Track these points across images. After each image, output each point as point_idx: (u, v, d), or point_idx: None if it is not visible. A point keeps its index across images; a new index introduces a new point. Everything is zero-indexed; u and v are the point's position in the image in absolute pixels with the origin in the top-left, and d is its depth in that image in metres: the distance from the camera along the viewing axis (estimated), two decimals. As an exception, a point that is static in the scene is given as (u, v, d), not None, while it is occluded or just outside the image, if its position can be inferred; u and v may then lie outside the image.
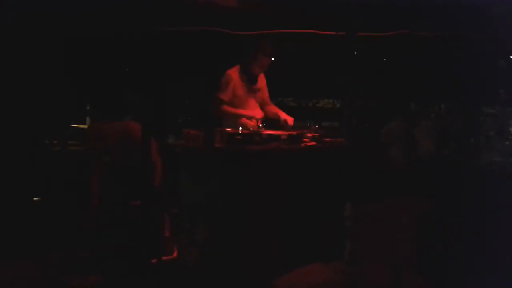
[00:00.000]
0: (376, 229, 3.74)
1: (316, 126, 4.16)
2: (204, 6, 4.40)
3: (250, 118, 4.29)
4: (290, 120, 4.39)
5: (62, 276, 3.76)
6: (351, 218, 3.67)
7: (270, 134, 3.87)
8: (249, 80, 4.43)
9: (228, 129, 3.81)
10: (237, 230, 3.50)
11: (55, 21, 4.94)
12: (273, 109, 4.61)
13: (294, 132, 3.96)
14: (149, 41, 3.68)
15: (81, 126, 7.27)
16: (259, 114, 4.37)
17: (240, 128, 3.83)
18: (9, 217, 4.52)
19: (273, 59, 4.47)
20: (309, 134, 3.98)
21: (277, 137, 3.86)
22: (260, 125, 4.00)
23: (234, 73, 4.40)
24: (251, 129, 3.99)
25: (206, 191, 3.60)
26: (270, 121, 4.45)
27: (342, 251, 3.64)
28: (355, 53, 3.32)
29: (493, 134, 6.64)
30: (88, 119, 7.25)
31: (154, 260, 3.69)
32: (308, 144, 3.86)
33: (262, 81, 4.60)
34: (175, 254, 3.98)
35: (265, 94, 4.65)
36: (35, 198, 4.95)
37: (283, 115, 4.43)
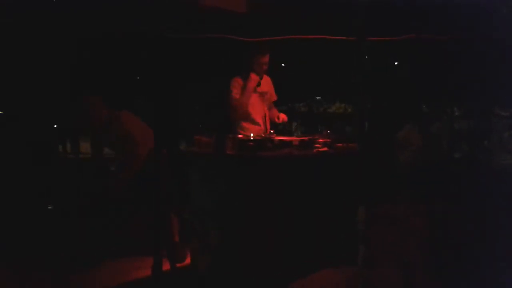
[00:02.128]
0: (389, 232, 3.72)
1: (328, 131, 4.17)
2: (213, 12, 4.42)
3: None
4: (282, 116, 4.63)
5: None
6: (364, 222, 3.65)
7: (281, 140, 3.88)
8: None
9: (239, 136, 3.83)
10: (250, 235, 3.50)
11: (72, 26, 5.00)
12: (273, 112, 4.76)
13: (306, 138, 3.97)
14: (157, 47, 3.70)
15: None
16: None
17: (252, 134, 3.87)
18: (22, 223, 4.56)
19: (283, 63, 4.52)
20: (320, 140, 3.98)
21: (289, 143, 3.87)
22: (272, 131, 4.01)
23: (239, 78, 4.54)
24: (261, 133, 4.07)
25: (218, 197, 3.61)
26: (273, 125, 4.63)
27: (355, 255, 3.63)
28: (366, 57, 3.31)
29: (506, 136, 6.60)
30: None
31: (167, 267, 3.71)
32: (320, 149, 3.86)
33: (268, 86, 4.70)
34: (188, 260, 3.99)
35: (272, 98, 4.76)
36: (49, 207, 4.99)
37: (277, 114, 4.66)
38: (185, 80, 4.20)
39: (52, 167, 5.57)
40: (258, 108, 4.62)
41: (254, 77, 4.50)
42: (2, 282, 3.80)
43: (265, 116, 4.62)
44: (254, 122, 4.57)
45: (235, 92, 4.45)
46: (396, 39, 4.29)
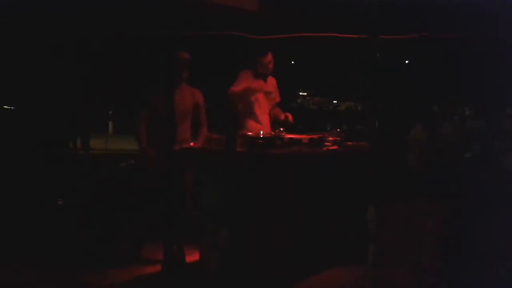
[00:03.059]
0: (399, 232, 3.70)
1: (338, 129, 4.16)
2: (225, 10, 4.42)
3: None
4: (289, 116, 4.58)
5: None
6: (374, 221, 3.64)
7: (291, 138, 3.87)
8: (259, 79, 4.56)
9: (249, 133, 3.83)
10: (259, 233, 3.50)
11: (84, 25, 5.02)
12: (275, 112, 4.76)
13: (316, 136, 3.95)
14: (168, 45, 3.71)
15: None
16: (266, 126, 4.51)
17: (262, 132, 3.87)
18: (32, 218, 4.60)
19: (293, 61, 4.52)
20: (330, 138, 3.97)
21: (299, 140, 3.86)
22: (282, 128, 4.00)
23: (247, 71, 4.55)
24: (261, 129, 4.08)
25: (228, 195, 3.61)
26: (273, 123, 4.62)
27: (365, 254, 3.62)
28: (377, 55, 3.30)
29: (517, 136, 6.54)
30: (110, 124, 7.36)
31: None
32: (330, 148, 3.85)
33: (273, 87, 4.73)
34: (197, 257, 4.00)
35: (276, 99, 4.78)
36: (59, 201, 5.02)
37: (282, 114, 4.62)
38: (196, 78, 4.19)
39: (63, 163, 5.61)
40: (264, 107, 4.62)
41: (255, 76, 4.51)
42: (14, 277, 3.83)
43: (270, 116, 4.62)
44: (258, 121, 4.57)
45: (235, 84, 4.46)
46: (408, 37, 4.28)
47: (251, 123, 4.54)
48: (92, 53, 6.50)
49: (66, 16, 4.82)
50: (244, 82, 4.46)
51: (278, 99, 4.79)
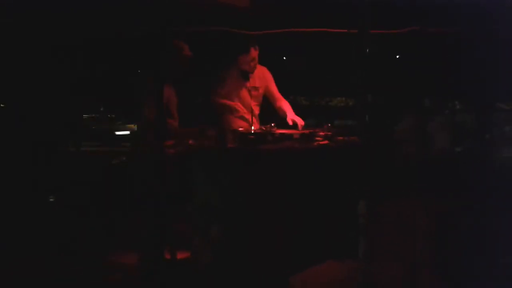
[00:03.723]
0: (391, 226, 3.72)
1: (329, 124, 4.16)
2: (215, 6, 4.41)
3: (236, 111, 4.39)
4: (299, 120, 4.44)
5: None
6: (366, 215, 3.65)
7: (282, 133, 3.88)
8: (243, 77, 4.51)
9: (240, 129, 3.83)
10: (251, 228, 3.50)
11: (72, 22, 4.99)
12: (284, 106, 4.63)
13: (307, 131, 3.96)
14: (160, 41, 3.70)
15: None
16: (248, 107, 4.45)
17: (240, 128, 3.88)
18: (25, 216, 4.58)
19: (284, 56, 4.51)
20: (321, 133, 3.98)
21: (290, 136, 3.86)
22: (273, 124, 4.00)
23: (229, 69, 4.51)
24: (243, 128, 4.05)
25: (219, 190, 3.61)
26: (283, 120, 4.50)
27: (357, 249, 3.63)
28: (367, 50, 3.30)
29: (508, 130, 6.58)
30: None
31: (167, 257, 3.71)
32: (321, 143, 3.85)
33: (264, 81, 4.63)
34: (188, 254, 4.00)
35: (270, 90, 4.67)
36: (50, 199, 5.01)
37: (291, 116, 4.48)
38: (188, 73, 4.17)
39: (53, 160, 5.58)
40: (246, 102, 4.56)
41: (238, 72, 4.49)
42: (8, 275, 3.82)
43: (252, 112, 4.50)
44: (241, 117, 4.50)
45: (220, 88, 4.44)
46: (399, 31, 4.29)
47: (234, 120, 4.49)
48: (82, 51, 6.47)
49: (62, 15, 4.80)
50: (227, 85, 4.43)
51: (274, 90, 4.67)
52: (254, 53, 4.41)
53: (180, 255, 3.93)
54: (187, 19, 4.38)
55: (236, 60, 4.47)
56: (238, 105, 4.44)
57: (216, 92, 4.47)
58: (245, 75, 4.51)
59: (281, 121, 4.45)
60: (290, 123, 4.47)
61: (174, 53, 3.79)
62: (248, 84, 4.54)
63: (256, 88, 4.58)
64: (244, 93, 4.54)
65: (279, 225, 3.57)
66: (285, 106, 4.64)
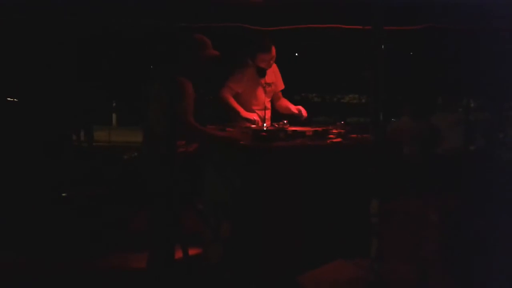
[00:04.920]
0: (403, 226, 3.69)
1: (342, 122, 4.13)
2: (229, 2, 4.39)
3: (247, 120, 4.30)
4: (303, 110, 4.46)
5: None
6: (377, 214, 3.62)
7: (295, 130, 3.85)
8: (258, 74, 4.47)
9: (253, 126, 3.81)
10: (262, 226, 3.49)
11: (87, 17, 4.99)
12: (284, 103, 4.65)
13: (320, 128, 3.93)
14: (173, 37, 3.67)
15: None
16: (257, 116, 4.38)
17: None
18: (35, 211, 4.61)
19: (297, 52, 4.47)
20: (334, 130, 3.94)
21: (302, 133, 3.84)
22: (285, 121, 3.98)
23: (248, 66, 4.45)
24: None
25: (231, 188, 3.60)
26: (286, 116, 4.48)
27: (368, 248, 3.61)
28: (382, 47, 3.26)
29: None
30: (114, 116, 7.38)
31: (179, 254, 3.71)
32: (334, 140, 3.82)
33: (274, 76, 4.61)
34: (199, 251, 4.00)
35: (278, 88, 4.66)
36: (63, 194, 5.03)
37: (294, 107, 4.51)
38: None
39: (65, 155, 5.61)
40: (260, 99, 4.54)
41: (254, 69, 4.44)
42: (16, 268, 3.85)
43: (265, 109, 4.50)
44: (254, 113, 4.44)
45: (237, 86, 4.37)
46: (413, 28, 4.24)
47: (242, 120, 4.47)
48: (95, 45, 6.49)
49: (69, 8, 4.80)
50: (242, 81, 4.38)
51: (281, 86, 4.67)
52: (274, 51, 4.38)
53: (192, 252, 3.93)
54: (200, 15, 4.37)
55: (253, 57, 4.40)
56: (255, 116, 4.35)
57: (229, 87, 4.41)
58: (262, 72, 4.47)
59: (282, 117, 4.43)
60: (296, 111, 4.48)
61: (195, 47, 3.61)
62: (262, 81, 4.51)
63: (269, 84, 4.55)
64: (260, 90, 4.50)
65: (290, 223, 3.56)
66: (286, 101, 4.67)
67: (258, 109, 4.49)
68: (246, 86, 4.41)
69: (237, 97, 4.40)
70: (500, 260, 3.36)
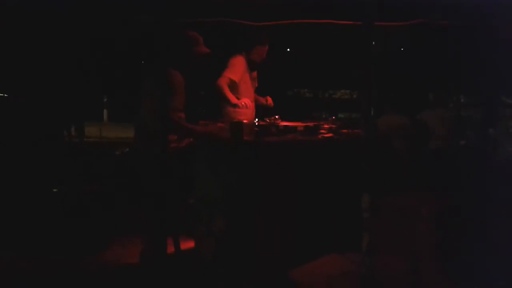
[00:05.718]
0: (394, 220, 3.72)
1: (333, 117, 4.15)
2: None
3: (236, 106, 4.39)
4: (269, 99, 4.67)
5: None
6: (368, 209, 3.64)
7: (286, 125, 3.86)
8: (250, 67, 4.57)
9: (245, 121, 3.81)
10: (254, 221, 3.50)
11: (73, 16, 4.97)
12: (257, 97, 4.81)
13: (311, 124, 3.94)
14: (166, 33, 3.66)
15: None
16: (248, 101, 4.46)
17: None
18: (29, 207, 4.59)
19: (289, 48, 4.50)
20: (326, 126, 3.96)
21: (294, 128, 3.85)
22: (277, 116, 4.00)
23: (243, 58, 4.52)
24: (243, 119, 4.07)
25: (223, 183, 3.61)
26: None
27: (359, 242, 3.63)
28: (373, 43, 3.27)
29: (512, 125, 6.55)
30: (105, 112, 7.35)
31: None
32: (325, 135, 3.84)
33: (256, 71, 4.74)
34: (192, 245, 4.00)
35: (256, 84, 4.80)
36: (54, 189, 5.01)
37: (262, 98, 4.69)
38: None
39: (56, 151, 5.58)
40: (250, 91, 4.63)
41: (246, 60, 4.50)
42: (11, 266, 3.84)
43: (254, 100, 4.64)
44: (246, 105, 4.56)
45: (233, 75, 4.43)
46: (404, 24, 4.25)
47: (239, 110, 4.51)
48: (86, 40, 6.45)
49: (60, 4, 4.78)
50: (238, 72, 4.44)
51: (256, 83, 4.81)
52: (267, 47, 4.50)
53: (185, 247, 3.94)
54: (192, 10, 4.36)
55: (249, 50, 4.48)
56: (246, 102, 4.43)
57: (225, 77, 4.44)
58: (253, 65, 4.56)
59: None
60: (265, 102, 4.68)
61: (188, 44, 3.62)
62: (253, 74, 4.58)
63: (255, 78, 4.65)
64: (249, 82, 4.58)
65: (282, 218, 3.57)
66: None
67: (250, 101, 4.56)
68: (242, 77, 4.47)
69: (233, 87, 4.44)
70: (492, 255, 3.39)
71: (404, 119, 4.51)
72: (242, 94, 4.52)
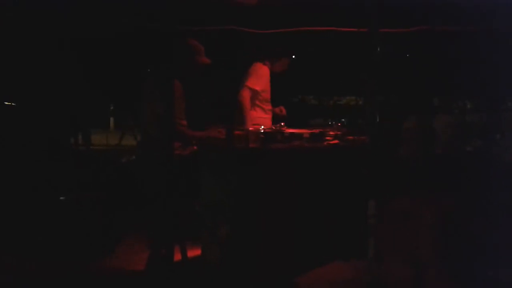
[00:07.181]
0: (399, 226, 3.71)
1: (339, 124, 4.15)
2: (224, 4, 4.41)
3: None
4: (283, 110, 4.71)
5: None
6: (374, 215, 3.64)
7: (292, 132, 3.87)
8: (270, 77, 4.63)
9: (250, 128, 3.82)
10: (259, 227, 3.50)
11: (83, 20, 5.00)
12: None
13: (317, 131, 3.95)
14: (169, 40, 3.68)
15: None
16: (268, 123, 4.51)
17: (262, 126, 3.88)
18: (35, 215, 4.61)
19: (293, 57, 4.55)
20: (331, 132, 3.96)
21: (300, 135, 3.85)
22: (282, 123, 4.01)
23: (267, 68, 4.56)
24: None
25: (228, 189, 3.61)
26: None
27: (365, 249, 3.62)
28: (378, 49, 3.28)
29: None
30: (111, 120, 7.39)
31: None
32: (331, 142, 3.84)
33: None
34: (198, 252, 4.00)
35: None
36: (61, 197, 5.03)
37: (275, 109, 4.71)
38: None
39: (63, 158, 5.61)
40: (269, 101, 4.66)
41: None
42: (17, 271, 3.85)
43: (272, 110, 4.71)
44: (266, 111, 4.64)
45: (256, 85, 4.46)
46: (409, 30, 4.26)
47: (261, 114, 4.58)
48: (93, 48, 6.49)
49: (66, 11, 4.81)
50: (262, 81, 4.48)
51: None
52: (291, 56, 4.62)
53: (191, 253, 3.94)
54: (194, 18, 4.39)
55: (273, 61, 4.54)
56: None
57: (247, 87, 4.48)
58: (271, 76, 4.62)
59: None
60: (278, 111, 4.71)
61: (189, 53, 3.69)
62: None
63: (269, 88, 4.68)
64: (269, 91, 4.66)
65: (287, 224, 3.57)
66: None
67: (270, 109, 4.66)
68: (265, 86, 4.50)
69: (255, 96, 4.46)
70: (497, 259, 3.38)
71: (413, 123, 4.53)
72: (266, 103, 4.58)
